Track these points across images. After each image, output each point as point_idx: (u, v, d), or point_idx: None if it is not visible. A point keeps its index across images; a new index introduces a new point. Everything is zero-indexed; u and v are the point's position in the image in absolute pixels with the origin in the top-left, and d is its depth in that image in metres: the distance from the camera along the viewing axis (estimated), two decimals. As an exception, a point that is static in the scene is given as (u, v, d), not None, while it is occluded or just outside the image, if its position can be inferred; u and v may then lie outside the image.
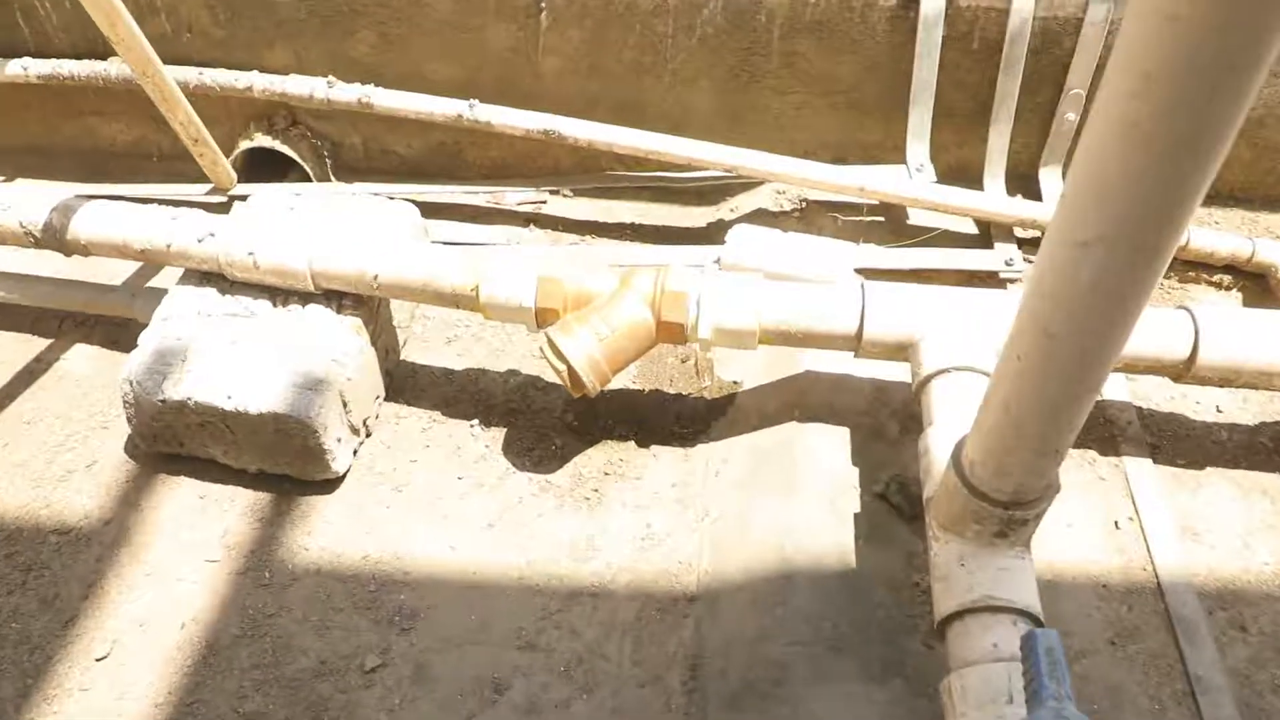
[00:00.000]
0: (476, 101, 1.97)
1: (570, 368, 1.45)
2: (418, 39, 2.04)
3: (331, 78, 2.04)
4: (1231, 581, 1.39)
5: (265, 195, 1.99)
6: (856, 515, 1.44)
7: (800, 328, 1.45)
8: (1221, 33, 0.64)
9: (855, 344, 1.44)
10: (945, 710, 1.06)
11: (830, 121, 2.05)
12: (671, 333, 1.49)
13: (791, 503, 1.47)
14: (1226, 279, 1.89)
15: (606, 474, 1.60)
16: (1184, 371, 1.40)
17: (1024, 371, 0.94)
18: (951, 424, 1.25)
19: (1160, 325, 1.41)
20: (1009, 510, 1.07)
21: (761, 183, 2.08)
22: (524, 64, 2.05)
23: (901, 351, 1.44)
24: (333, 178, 2.24)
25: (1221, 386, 1.42)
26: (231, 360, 1.54)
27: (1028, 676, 0.95)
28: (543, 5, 1.97)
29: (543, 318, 1.50)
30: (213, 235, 1.62)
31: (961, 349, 1.38)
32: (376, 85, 2.02)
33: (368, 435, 1.65)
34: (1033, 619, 1.10)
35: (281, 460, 1.55)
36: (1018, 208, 1.91)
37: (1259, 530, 1.45)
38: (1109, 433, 1.56)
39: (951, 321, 1.42)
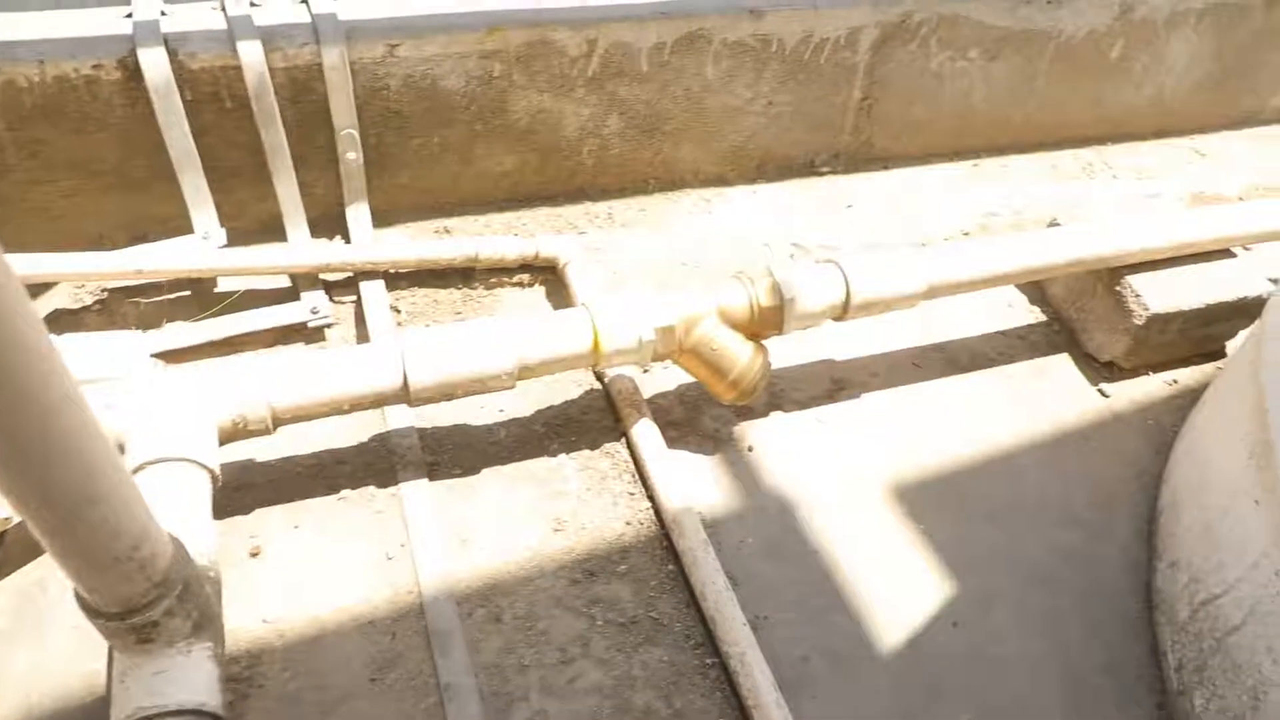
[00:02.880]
0: None
1: None
2: None
3: None
4: (494, 576, 1.50)
5: None
6: (111, 634, 1.36)
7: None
8: None
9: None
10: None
11: (112, 203, 1.93)
12: None
13: (44, 642, 1.36)
14: (526, 278, 2.07)
15: None
16: (406, 397, 1.48)
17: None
18: (130, 527, 1.20)
19: (373, 361, 1.48)
20: (126, 620, 1.05)
21: (55, 283, 1.92)
22: None
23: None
24: None
25: (445, 401, 1.52)
26: None
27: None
28: None
29: None
30: None
31: (170, 439, 1.34)
32: None
33: None
34: (199, 712, 1.09)
35: None
36: (316, 254, 1.93)
37: (525, 516, 1.59)
38: (389, 464, 1.63)
39: (163, 409, 1.38)
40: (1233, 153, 3.02)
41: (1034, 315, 2.21)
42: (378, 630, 1.41)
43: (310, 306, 1.89)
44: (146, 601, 1.05)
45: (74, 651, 1.35)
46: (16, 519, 1.58)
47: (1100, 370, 2.09)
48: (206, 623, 1.16)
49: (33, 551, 1.50)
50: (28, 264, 1.77)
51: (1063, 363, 2.10)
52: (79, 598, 1.05)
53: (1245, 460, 1.44)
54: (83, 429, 0.87)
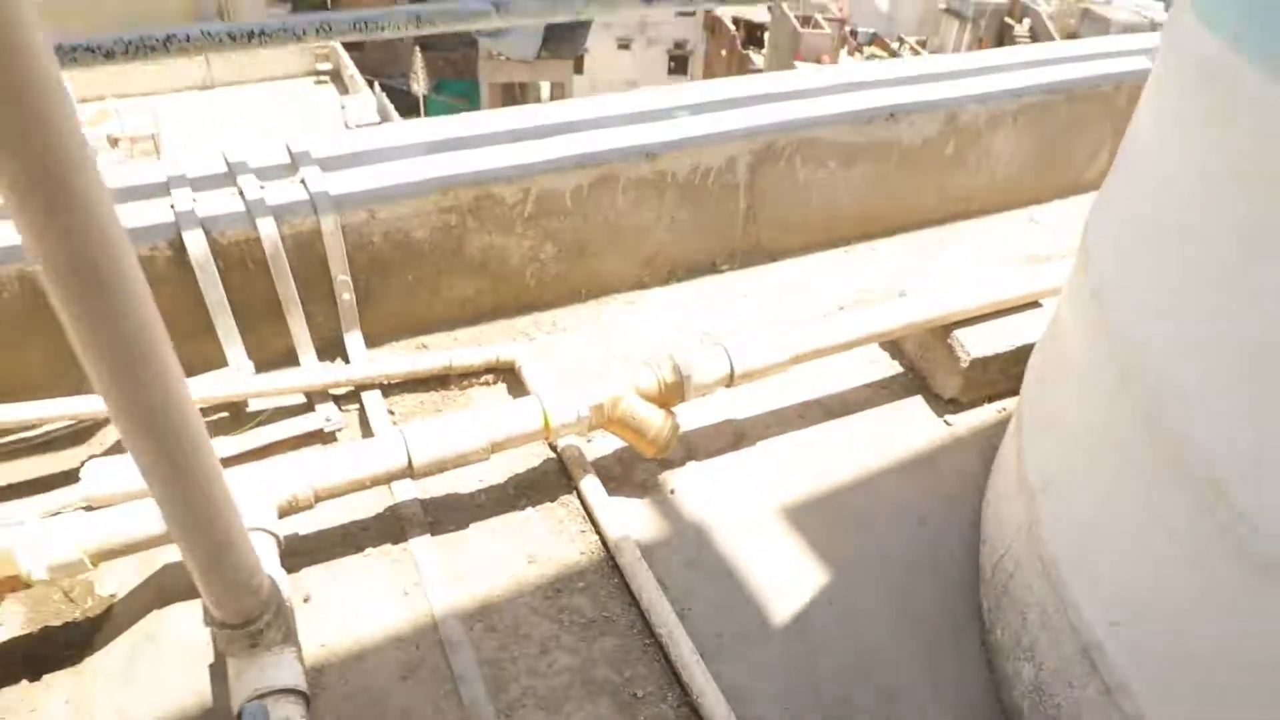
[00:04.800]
0: None
1: (-80, 647, 1.74)
2: None
3: None
4: (487, 599, 2.06)
5: None
6: (211, 666, 1.90)
7: (120, 542, 1.89)
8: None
9: (160, 542, 1.91)
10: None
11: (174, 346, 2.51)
12: (14, 585, 1.84)
13: (161, 675, 1.88)
14: (490, 378, 2.67)
15: (9, 712, 1.89)
16: (410, 473, 2.06)
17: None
18: (229, 577, 1.75)
19: (386, 449, 2.06)
20: (245, 629, 1.60)
21: (119, 414, 2.48)
22: None
23: (209, 530, 1.93)
24: None
25: (438, 473, 2.11)
26: None
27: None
28: None
29: (-116, 615, 1.77)
30: None
31: (246, 516, 1.90)
32: None
33: None
34: (293, 692, 1.63)
35: None
36: (325, 374, 2.52)
37: (505, 555, 2.15)
38: (400, 526, 2.19)
39: (238, 495, 1.94)
40: (1063, 219, 3.74)
41: (894, 368, 2.85)
42: (405, 644, 1.95)
43: (324, 416, 2.47)
44: (256, 615, 1.60)
45: (186, 678, 1.88)
46: (121, 594, 2.11)
47: (945, 406, 2.72)
48: (291, 635, 1.71)
49: (136, 616, 2.03)
50: (90, 403, 2.34)
51: (917, 403, 2.73)
52: (211, 617, 1.60)
53: (1015, 460, 2.05)
54: (225, 497, 1.44)
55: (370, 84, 23.97)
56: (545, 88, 32.65)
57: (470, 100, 28.98)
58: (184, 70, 26.47)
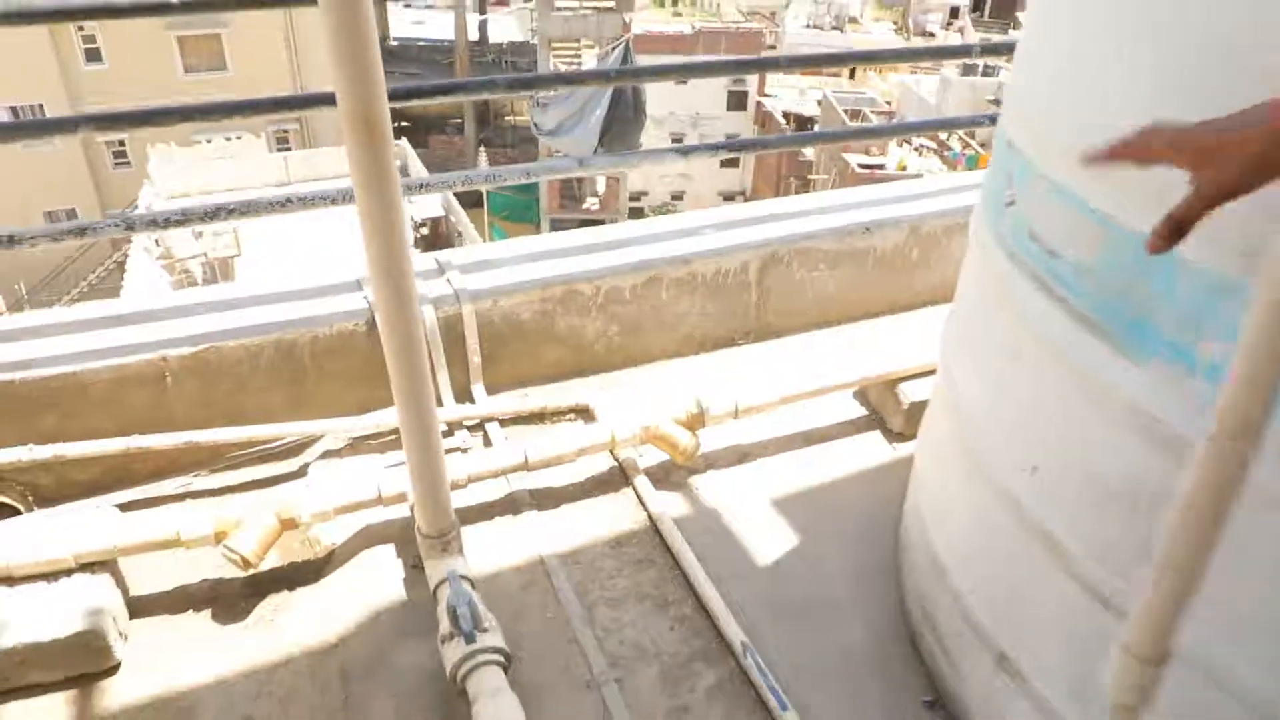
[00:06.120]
0: (136, 435, 3.48)
1: (242, 556, 3.01)
2: (93, 415, 3.52)
3: (32, 445, 3.43)
4: (573, 548, 3.27)
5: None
6: (404, 579, 3.13)
7: (347, 503, 3.15)
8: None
9: (368, 505, 3.17)
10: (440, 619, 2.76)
11: (357, 393, 3.83)
12: (291, 524, 3.11)
13: (374, 584, 3.13)
14: (572, 415, 3.93)
15: (277, 608, 3.13)
16: (526, 467, 3.31)
17: (404, 443, 2.72)
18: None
19: (512, 451, 3.31)
20: (440, 539, 2.83)
21: (323, 435, 3.79)
22: (160, 411, 3.60)
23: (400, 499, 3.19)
24: (35, 509, 3.56)
25: (544, 469, 3.35)
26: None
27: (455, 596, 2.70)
28: (167, 375, 3.57)
29: (219, 537, 3.05)
30: (7, 559, 2.97)
31: (427, 487, 3.16)
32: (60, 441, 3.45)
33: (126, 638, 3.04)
34: (467, 578, 2.85)
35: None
36: (460, 411, 3.81)
37: (586, 524, 3.37)
38: (515, 505, 3.43)
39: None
40: (1011, 307, 4.93)
41: (860, 410, 4.05)
42: (522, 571, 3.18)
43: (460, 440, 3.74)
44: (447, 529, 2.83)
45: (389, 587, 3.11)
46: (340, 541, 3.36)
47: (896, 436, 3.90)
48: (462, 549, 2.94)
49: (350, 556, 3.27)
50: (311, 426, 3.65)
51: (875, 436, 3.92)
52: (420, 532, 2.83)
53: (916, 462, 3.24)
54: (444, 464, 2.70)
55: (437, 180, 26.12)
56: (601, 181, 34.81)
57: (530, 194, 31.29)
58: (262, 168, 28.87)
